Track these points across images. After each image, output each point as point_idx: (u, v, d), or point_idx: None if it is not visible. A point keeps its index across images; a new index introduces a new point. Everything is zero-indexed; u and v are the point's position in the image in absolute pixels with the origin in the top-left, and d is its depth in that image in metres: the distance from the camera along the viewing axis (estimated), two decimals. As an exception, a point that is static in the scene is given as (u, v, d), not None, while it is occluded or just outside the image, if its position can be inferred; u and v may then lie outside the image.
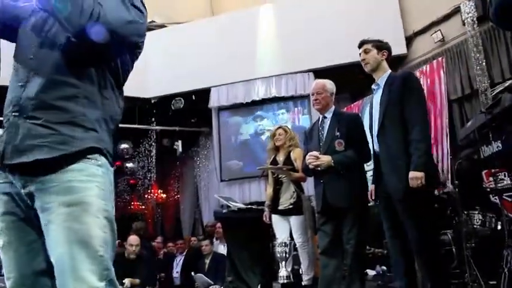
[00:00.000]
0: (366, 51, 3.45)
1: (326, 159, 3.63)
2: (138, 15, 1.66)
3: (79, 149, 1.53)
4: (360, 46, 3.49)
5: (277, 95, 8.27)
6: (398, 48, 7.14)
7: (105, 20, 1.52)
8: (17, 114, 1.56)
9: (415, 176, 2.97)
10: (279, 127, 5.05)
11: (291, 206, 4.72)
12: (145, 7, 1.75)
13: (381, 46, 3.44)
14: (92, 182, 1.54)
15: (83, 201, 1.51)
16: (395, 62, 6.50)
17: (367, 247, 5.52)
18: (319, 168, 3.66)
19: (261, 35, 8.51)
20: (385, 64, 3.42)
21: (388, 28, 7.35)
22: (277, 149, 4.95)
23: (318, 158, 3.64)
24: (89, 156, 1.56)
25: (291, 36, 8.21)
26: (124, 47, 1.70)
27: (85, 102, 1.58)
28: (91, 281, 1.46)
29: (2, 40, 1.83)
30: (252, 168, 8.02)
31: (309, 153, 3.73)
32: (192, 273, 6.84)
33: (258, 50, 8.48)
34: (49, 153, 1.50)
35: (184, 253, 7.92)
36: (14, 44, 1.76)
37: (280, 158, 4.88)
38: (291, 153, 4.79)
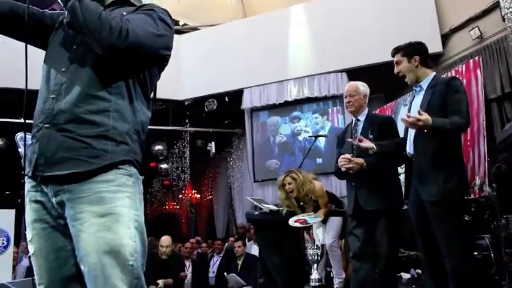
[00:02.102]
0: (397, 63, 3.34)
1: (359, 161, 3.56)
2: (165, 29, 1.71)
3: (110, 162, 1.57)
4: (392, 55, 3.38)
5: (309, 96, 8.20)
6: (433, 46, 6.95)
7: (133, 35, 1.57)
8: (48, 125, 1.59)
9: (426, 118, 2.84)
10: (286, 175, 4.86)
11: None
12: (172, 20, 1.79)
13: (411, 52, 3.28)
14: (122, 192, 1.58)
15: (114, 211, 1.54)
16: (430, 60, 6.33)
17: (402, 250, 5.41)
18: (351, 171, 3.59)
19: (293, 35, 8.47)
20: (422, 68, 3.26)
21: (423, 25, 7.19)
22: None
23: (350, 160, 3.58)
24: (119, 167, 1.59)
25: (323, 37, 8.14)
26: (152, 61, 1.74)
27: (116, 116, 1.61)
28: None
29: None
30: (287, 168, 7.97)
31: (341, 156, 3.67)
32: (225, 273, 6.87)
33: (290, 50, 8.44)
34: (82, 166, 1.54)
35: (222, 254, 7.95)
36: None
37: (307, 207, 4.79)
38: (312, 197, 4.69)
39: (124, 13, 1.69)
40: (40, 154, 1.59)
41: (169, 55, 1.79)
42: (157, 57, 1.74)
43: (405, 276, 5.47)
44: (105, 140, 1.58)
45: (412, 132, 3.20)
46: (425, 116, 2.88)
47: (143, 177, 1.73)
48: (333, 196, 4.91)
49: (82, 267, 1.53)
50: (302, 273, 4.81)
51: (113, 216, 1.53)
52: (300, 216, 4.60)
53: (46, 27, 1.81)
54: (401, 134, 3.55)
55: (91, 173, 1.54)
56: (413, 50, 3.29)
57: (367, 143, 3.46)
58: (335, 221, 4.66)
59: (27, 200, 1.67)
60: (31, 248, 1.66)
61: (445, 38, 7.32)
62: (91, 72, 1.62)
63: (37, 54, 1.80)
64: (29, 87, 1.75)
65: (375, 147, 3.41)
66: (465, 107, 3.04)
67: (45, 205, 1.63)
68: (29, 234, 1.66)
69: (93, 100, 1.59)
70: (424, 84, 3.24)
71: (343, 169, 3.63)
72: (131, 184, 1.61)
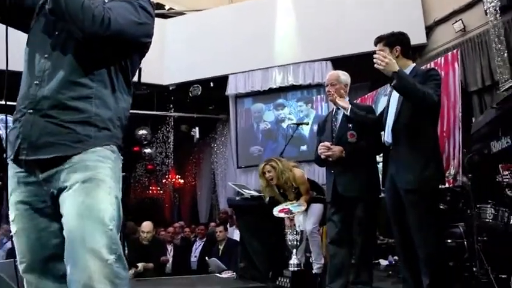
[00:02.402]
0: None
1: (338, 149, 3.62)
2: (146, 17, 1.75)
3: (93, 147, 1.63)
4: (374, 44, 3.38)
5: (294, 83, 8.25)
6: (417, 37, 7.04)
7: (115, 24, 1.60)
8: (31, 111, 1.62)
9: (390, 60, 2.97)
10: (265, 163, 4.82)
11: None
12: (153, 7, 1.82)
13: (393, 42, 3.28)
14: (105, 162, 1.64)
15: (96, 177, 1.60)
16: (414, 51, 6.39)
17: (381, 237, 5.52)
18: (330, 159, 3.66)
19: (279, 22, 8.49)
20: (402, 59, 3.25)
21: (408, 16, 7.26)
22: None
23: (329, 148, 3.64)
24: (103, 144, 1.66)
25: (308, 25, 8.18)
26: (133, 48, 1.78)
27: (98, 103, 1.65)
28: (102, 252, 1.52)
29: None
30: (270, 155, 8.01)
31: (320, 144, 3.73)
32: (206, 257, 6.94)
33: (275, 37, 8.47)
34: (66, 151, 1.60)
35: (204, 239, 8.02)
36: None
37: (289, 194, 4.81)
38: (293, 184, 4.71)
39: (106, 0, 1.71)
40: (23, 139, 1.62)
41: (150, 42, 1.83)
42: (138, 45, 1.77)
43: (383, 262, 5.60)
44: (88, 126, 1.62)
45: (390, 121, 3.26)
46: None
47: (123, 160, 1.77)
48: (314, 183, 4.96)
49: (64, 233, 1.56)
50: (282, 258, 4.88)
51: (94, 181, 1.58)
52: (284, 206, 4.63)
53: (27, 10, 1.80)
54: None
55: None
56: (395, 40, 3.30)
57: (343, 102, 3.59)
58: (316, 208, 4.71)
59: (14, 181, 1.69)
60: (13, 228, 1.70)
61: (429, 29, 7.41)
62: (73, 59, 1.65)
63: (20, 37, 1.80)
64: (10, 69, 1.77)
65: (349, 109, 3.54)
66: (438, 89, 3.08)
67: (31, 186, 1.67)
68: (11, 214, 1.70)
69: (76, 87, 1.63)
70: None
71: (322, 156, 3.69)
72: (113, 159, 1.67)
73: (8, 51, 1.75)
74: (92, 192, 1.57)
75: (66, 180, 1.59)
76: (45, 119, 1.60)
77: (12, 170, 1.70)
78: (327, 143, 3.67)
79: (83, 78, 1.64)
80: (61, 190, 1.59)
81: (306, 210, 4.67)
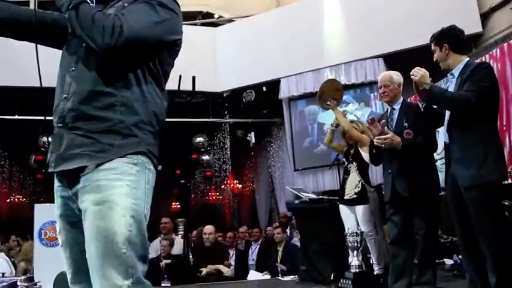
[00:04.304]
0: (434, 52, 3.31)
1: (396, 139, 3.52)
2: (166, 13, 1.68)
3: (117, 156, 1.60)
4: (430, 44, 3.35)
5: (347, 83, 8.16)
6: (472, 26, 6.78)
7: (128, 29, 1.56)
8: (61, 125, 1.66)
9: (424, 72, 3.08)
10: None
11: (355, 196, 4.77)
12: (177, 3, 1.75)
13: (441, 40, 3.23)
14: (122, 180, 1.58)
15: (109, 199, 1.55)
16: (469, 41, 6.15)
17: (444, 236, 5.37)
18: (383, 146, 3.58)
19: (327, 22, 8.42)
20: (453, 55, 3.20)
21: (461, 5, 6.99)
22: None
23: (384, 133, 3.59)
24: (124, 155, 1.61)
25: (357, 22, 8.07)
26: (158, 48, 1.71)
27: (123, 110, 1.63)
28: (115, 279, 1.50)
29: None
30: (326, 156, 7.96)
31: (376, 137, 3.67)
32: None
33: (325, 38, 8.41)
34: (89, 161, 1.58)
35: (260, 242, 8.07)
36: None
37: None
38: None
39: (126, 4, 1.69)
40: (53, 152, 1.68)
41: (179, 39, 1.77)
42: (163, 44, 1.70)
43: (448, 262, 5.42)
44: (112, 134, 1.60)
45: (446, 119, 3.19)
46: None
47: (160, 167, 1.76)
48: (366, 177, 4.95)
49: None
50: (342, 260, 4.85)
51: (107, 204, 1.54)
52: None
53: (55, 30, 1.85)
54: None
55: (97, 165, 1.59)
56: (443, 37, 3.24)
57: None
58: (362, 210, 4.70)
59: (55, 195, 1.75)
60: (59, 239, 1.76)
61: (485, 17, 7.08)
62: (96, 70, 1.64)
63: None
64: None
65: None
66: (479, 89, 2.99)
67: (66, 200, 1.70)
68: (57, 227, 1.76)
69: (100, 97, 1.62)
70: (456, 71, 3.20)
71: (376, 141, 3.62)
72: (134, 173, 1.61)
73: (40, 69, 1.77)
74: (106, 216, 1.53)
75: (82, 200, 1.59)
76: (73, 132, 1.61)
77: (55, 184, 1.75)
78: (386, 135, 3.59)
79: (107, 87, 1.63)
80: (81, 209, 1.59)
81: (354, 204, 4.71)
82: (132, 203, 1.57)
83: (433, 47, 3.29)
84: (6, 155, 9.91)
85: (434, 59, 3.32)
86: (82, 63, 1.67)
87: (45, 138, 9.01)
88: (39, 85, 1.78)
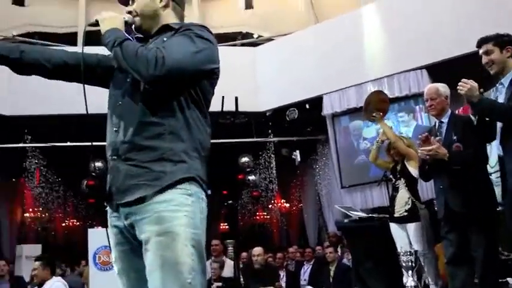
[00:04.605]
0: (487, 53, 3.17)
1: (442, 151, 3.39)
2: (204, 43, 1.75)
3: (170, 182, 1.67)
4: (478, 46, 3.22)
5: (390, 96, 7.97)
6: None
7: (170, 60, 1.64)
8: (115, 157, 1.76)
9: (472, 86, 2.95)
10: None
11: (405, 213, 4.65)
12: (211, 33, 1.83)
13: (504, 42, 3.11)
14: (180, 211, 1.65)
15: (172, 230, 1.63)
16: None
17: (506, 253, 5.10)
18: (427, 157, 3.47)
19: (367, 35, 8.32)
20: (510, 61, 3.11)
21: (505, 13, 6.70)
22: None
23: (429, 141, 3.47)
24: (178, 187, 1.68)
25: (398, 33, 7.90)
26: (198, 77, 1.78)
27: (171, 138, 1.71)
28: None
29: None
30: (374, 173, 7.80)
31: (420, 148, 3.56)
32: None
33: (365, 51, 8.30)
34: (146, 190, 1.66)
35: (312, 262, 7.95)
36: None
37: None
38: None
39: (165, 39, 1.78)
40: (111, 185, 1.77)
41: (217, 68, 1.83)
42: (202, 73, 1.76)
43: (512, 281, 5.14)
44: (163, 162, 1.68)
45: (498, 130, 3.06)
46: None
47: (209, 192, 1.82)
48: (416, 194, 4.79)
49: (148, 286, 1.64)
50: (397, 280, 4.69)
51: (170, 235, 1.62)
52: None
53: (101, 71, 1.97)
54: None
55: (153, 194, 1.66)
56: (506, 40, 3.14)
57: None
58: (413, 228, 4.55)
59: (109, 224, 1.83)
60: (115, 268, 1.83)
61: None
62: (142, 101, 1.74)
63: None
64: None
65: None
66: None
67: (121, 229, 1.78)
68: (112, 256, 1.84)
69: (148, 127, 1.71)
70: (506, 81, 3.08)
71: (420, 153, 3.52)
72: (190, 203, 1.68)
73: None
74: (169, 247, 1.61)
75: (142, 231, 1.66)
76: (127, 163, 1.71)
77: (108, 214, 1.83)
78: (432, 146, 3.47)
79: (154, 117, 1.71)
80: (142, 240, 1.66)
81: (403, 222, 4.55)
82: (192, 233, 1.65)
83: (490, 48, 3.15)
84: (60, 180, 10.26)
85: (487, 60, 3.17)
86: (128, 97, 1.78)
87: (96, 164, 9.32)
88: (86, 112, 1.86)
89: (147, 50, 1.68)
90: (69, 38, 10.64)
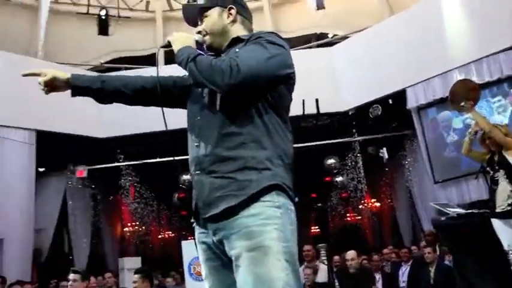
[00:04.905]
0: None
1: None
2: (276, 49, 1.74)
3: (256, 190, 1.64)
4: None
5: (480, 82, 7.49)
6: None
7: (244, 67, 1.63)
8: (198, 172, 1.76)
9: None
10: None
11: (509, 208, 4.31)
12: (282, 38, 1.81)
13: None
14: (270, 225, 1.62)
15: (263, 245, 1.59)
16: None
17: None
18: None
19: (448, 20, 7.88)
20: None
21: None
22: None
23: None
24: (266, 199, 1.65)
25: (481, 14, 7.43)
26: (274, 83, 1.76)
27: (253, 146, 1.70)
28: None
29: None
30: (467, 165, 7.35)
31: None
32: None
33: (448, 38, 7.88)
34: (232, 200, 1.65)
35: (410, 263, 7.62)
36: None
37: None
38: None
39: (237, 50, 1.77)
40: (197, 200, 1.77)
41: (292, 72, 1.80)
42: (277, 78, 1.75)
43: None
44: (247, 171, 1.66)
45: None
46: None
47: (297, 200, 1.76)
48: None
49: None
50: (508, 281, 4.35)
51: (261, 249, 1.59)
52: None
53: (177, 92, 2.01)
54: None
55: (241, 205, 1.63)
56: None
57: None
58: None
59: (197, 241, 1.84)
60: (206, 285, 1.83)
61: None
62: (220, 113, 1.75)
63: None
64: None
65: None
66: None
67: (209, 245, 1.78)
68: (203, 272, 1.84)
69: (228, 137, 1.71)
70: None
71: None
72: (279, 215, 1.65)
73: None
74: (261, 262, 1.58)
75: (233, 247, 1.64)
76: (211, 176, 1.71)
77: (196, 231, 1.84)
78: None
79: (233, 127, 1.71)
80: (232, 255, 1.64)
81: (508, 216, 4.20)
82: (283, 246, 1.61)
83: None
84: (153, 195, 10.74)
85: None
86: (206, 111, 1.80)
87: (184, 177, 9.72)
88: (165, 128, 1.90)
89: (221, 60, 1.69)
90: (152, 60, 11.10)
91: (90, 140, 9.17)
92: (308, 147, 9.00)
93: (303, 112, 8.33)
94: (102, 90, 1.97)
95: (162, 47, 1.92)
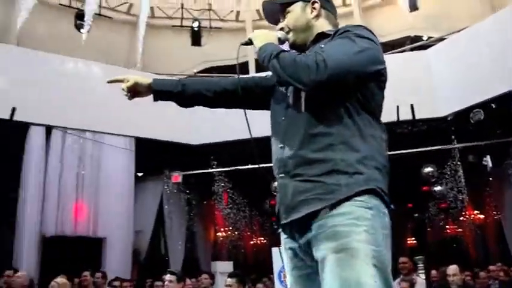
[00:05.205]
0: None
1: None
2: (366, 43, 1.63)
3: (346, 195, 1.53)
4: None
5: None
6: None
7: (331, 62, 1.53)
8: (283, 175, 1.68)
9: None
10: None
11: None
12: (371, 32, 1.69)
13: None
14: (358, 226, 1.50)
15: (350, 246, 1.48)
16: None
17: None
18: None
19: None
20: None
21: None
22: None
23: None
24: (357, 199, 1.53)
25: None
26: (363, 79, 1.64)
27: (342, 148, 1.58)
28: None
29: None
30: None
31: None
32: None
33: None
34: (318, 204, 1.55)
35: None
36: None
37: None
38: None
39: (322, 45, 1.67)
40: (281, 204, 1.69)
41: (383, 68, 1.69)
42: (367, 74, 1.63)
43: None
44: (336, 174, 1.55)
45: None
46: None
47: (392, 207, 1.62)
48: None
49: None
50: None
51: (349, 251, 1.47)
52: None
53: (260, 92, 1.96)
54: None
55: (326, 208, 1.53)
56: None
57: None
58: None
59: (282, 248, 1.76)
60: None
61: None
62: (306, 113, 1.65)
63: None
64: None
65: None
66: None
67: (296, 252, 1.69)
68: (288, 282, 1.76)
69: (315, 138, 1.61)
70: None
71: None
72: (370, 217, 1.52)
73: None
74: (348, 265, 1.46)
75: (318, 248, 1.53)
76: (295, 179, 1.62)
77: (282, 237, 1.77)
78: None
79: (321, 127, 1.61)
80: (318, 257, 1.54)
81: None
82: (372, 250, 1.49)
83: None
84: (245, 201, 10.93)
85: None
86: (291, 110, 1.72)
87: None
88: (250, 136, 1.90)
89: (306, 56, 1.60)
90: (243, 68, 11.40)
91: (185, 146, 9.54)
92: (403, 154, 8.63)
93: (397, 118, 8.01)
94: (182, 93, 1.96)
95: (243, 44, 1.87)
